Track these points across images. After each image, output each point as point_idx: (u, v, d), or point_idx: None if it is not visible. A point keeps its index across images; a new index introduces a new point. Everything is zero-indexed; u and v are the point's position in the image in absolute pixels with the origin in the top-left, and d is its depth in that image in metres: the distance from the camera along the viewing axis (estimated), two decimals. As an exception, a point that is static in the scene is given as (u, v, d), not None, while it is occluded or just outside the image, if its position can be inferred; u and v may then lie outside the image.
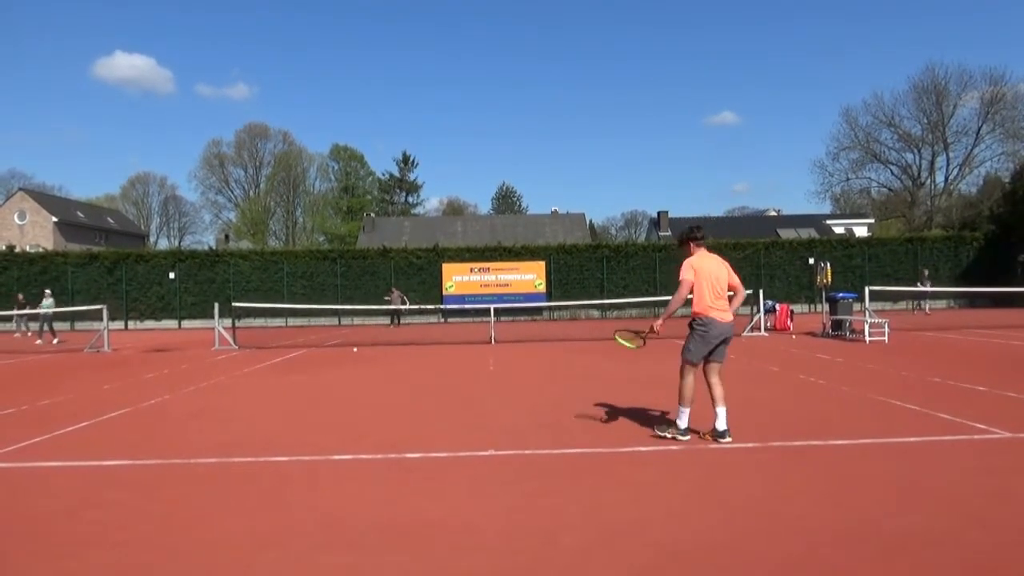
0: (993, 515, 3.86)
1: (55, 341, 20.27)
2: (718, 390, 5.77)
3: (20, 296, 25.42)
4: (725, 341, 5.79)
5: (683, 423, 5.78)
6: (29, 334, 21.91)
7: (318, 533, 3.84)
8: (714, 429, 5.75)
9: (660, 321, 5.97)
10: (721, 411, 5.73)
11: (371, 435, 6.46)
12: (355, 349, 11.77)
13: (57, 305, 26.29)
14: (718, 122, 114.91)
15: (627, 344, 6.62)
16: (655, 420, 6.48)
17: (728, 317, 5.74)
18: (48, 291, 22.47)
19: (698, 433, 5.86)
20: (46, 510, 4.37)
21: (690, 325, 5.83)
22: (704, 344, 5.72)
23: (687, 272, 5.71)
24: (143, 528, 3.98)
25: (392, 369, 12.04)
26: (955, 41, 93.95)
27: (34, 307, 22.53)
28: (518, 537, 3.71)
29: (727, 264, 5.95)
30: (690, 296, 5.80)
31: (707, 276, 5.70)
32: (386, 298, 27.75)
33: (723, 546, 3.50)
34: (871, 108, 54.50)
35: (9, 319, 26.04)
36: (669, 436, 5.78)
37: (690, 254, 5.87)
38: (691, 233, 5.90)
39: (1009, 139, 49.46)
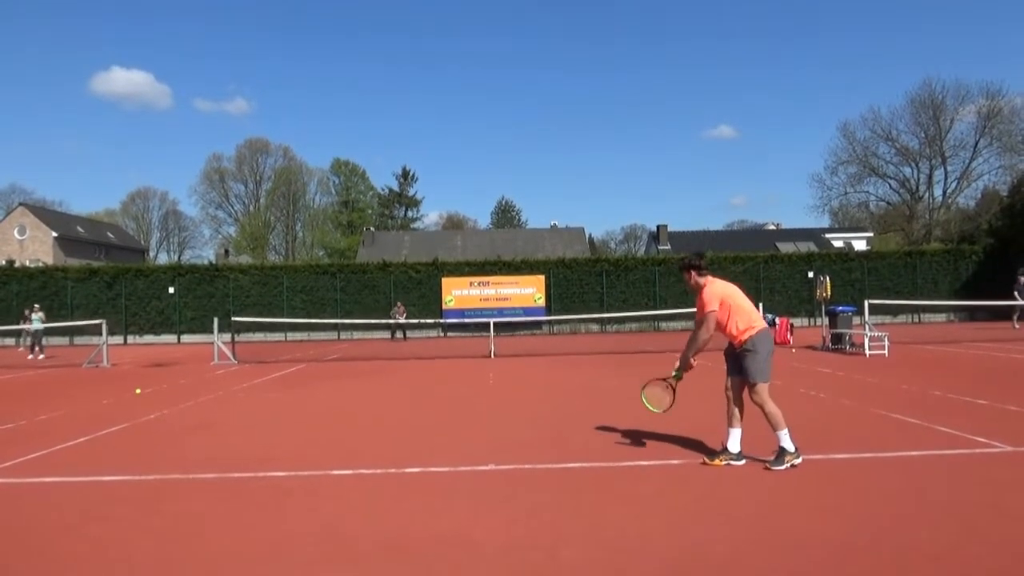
0: (995, 529, 3.84)
1: (40, 356, 20.30)
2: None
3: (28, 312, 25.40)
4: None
5: (790, 445, 5.32)
6: (37, 349, 21.90)
7: (317, 548, 3.82)
8: (728, 450, 5.49)
9: (692, 358, 5.58)
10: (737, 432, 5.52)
11: (370, 449, 6.44)
12: (137, 391, 10.81)
13: (56, 320, 26.31)
14: (716, 136, 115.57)
15: (653, 408, 6.05)
16: (764, 454, 5.46)
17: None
18: (37, 306, 22.47)
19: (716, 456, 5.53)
20: (45, 526, 4.35)
21: (751, 348, 5.34)
22: (771, 357, 5.42)
23: (713, 303, 5.39)
24: (143, 544, 3.96)
25: (392, 383, 12.02)
26: (952, 55, 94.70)
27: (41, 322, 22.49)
28: (519, 552, 3.69)
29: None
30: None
31: (736, 304, 5.44)
32: (392, 312, 27.93)
33: (725, 561, 3.49)
34: (869, 122, 54.82)
35: (7, 334, 26.00)
36: (787, 466, 5.25)
37: (699, 284, 5.55)
38: (697, 264, 5.60)
39: (1006, 153, 49.69)
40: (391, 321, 26.91)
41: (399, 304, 28.56)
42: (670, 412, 6.12)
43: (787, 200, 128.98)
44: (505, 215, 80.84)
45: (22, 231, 57.39)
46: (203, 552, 3.81)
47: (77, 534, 4.16)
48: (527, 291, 29.75)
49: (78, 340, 28.63)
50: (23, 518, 4.54)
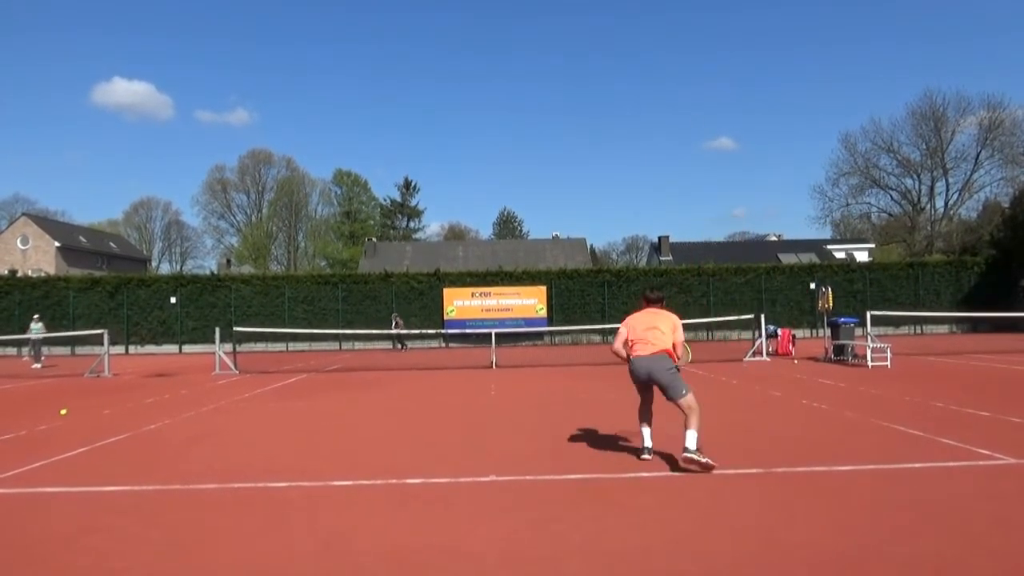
0: (999, 542, 3.82)
1: (37, 365, 20.31)
2: (687, 420, 5.74)
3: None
4: (653, 380, 5.97)
5: (643, 443, 6.23)
6: (43, 358, 21.86)
7: (318, 560, 3.81)
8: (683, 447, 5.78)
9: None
10: (688, 433, 5.67)
11: (371, 460, 6.43)
12: (63, 411, 9.96)
13: (58, 330, 26.34)
14: (716, 147, 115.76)
15: None
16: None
17: (645, 352, 6.00)
18: (37, 316, 22.49)
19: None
20: (44, 537, 4.34)
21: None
22: (634, 383, 6.22)
23: (621, 327, 6.37)
24: (142, 555, 3.95)
25: (393, 394, 12.00)
26: (953, 67, 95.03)
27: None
28: (520, 564, 3.67)
29: (671, 318, 6.21)
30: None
31: (631, 327, 6.22)
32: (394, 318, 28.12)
33: (727, 573, 3.47)
34: (870, 134, 54.75)
35: (9, 343, 25.98)
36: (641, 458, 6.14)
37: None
38: (644, 294, 6.55)
39: (1008, 164, 49.67)
40: (391, 332, 26.97)
41: (396, 314, 28.82)
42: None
43: (788, 211, 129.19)
44: (507, 226, 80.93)
45: (25, 241, 57.54)
46: (203, 564, 3.80)
47: (77, 545, 4.15)
48: (529, 302, 29.75)
49: (80, 350, 28.65)
50: (23, 529, 4.53)
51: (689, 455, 5.57)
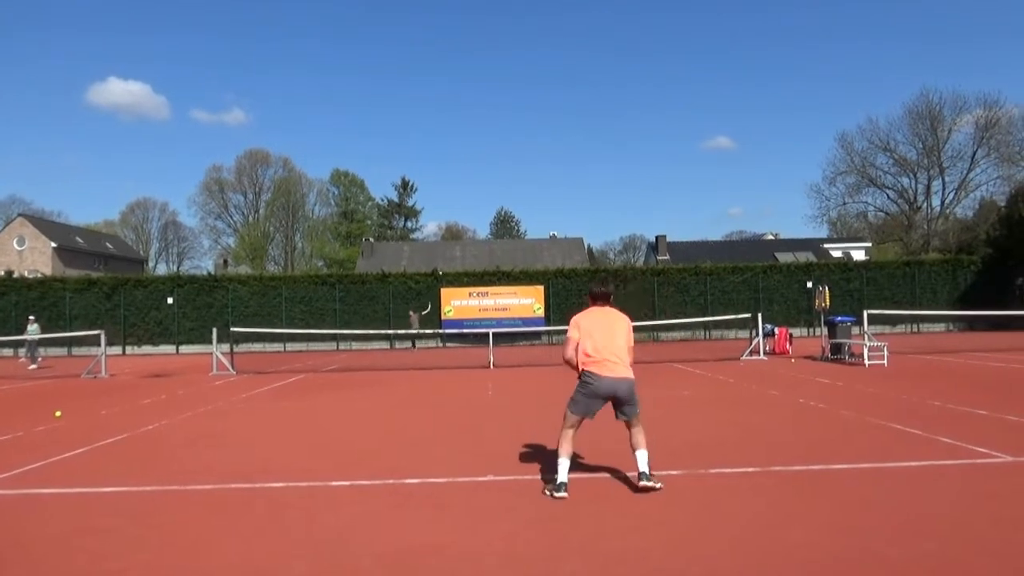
0: (998, 541, 3.82)
1: (32, 367, 20.26)
2: (637, 438, 5.16)
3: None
4: (617, 398, 5.18)
5: (558, 476, 5.04)
6: (39, 359, 21.77)
7: (315, 560, 3.79)
8: (638, 473, 5.09)
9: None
10: (640, 454, 5.10)
11: (369, 460, 6.42)
12: (57, 414, 9.89)
13: (55, 330, 26.28)
14: (713, 146, 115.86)
15: None
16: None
17: (616, 373, 5.15)
18: (32, 317, 22.43)
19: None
20: (40, 538, 4.32)
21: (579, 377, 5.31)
22: (586, 398, 5.21)
23: (571, 330, 5.32)
24: (139, 556, 3.93)
25: (390, 394, 11.99)
26: (949, 66, 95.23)
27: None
28: (518, 564, 3.66)
29: (625, 321, 5.41)
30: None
31: (587, 332, 5.23)
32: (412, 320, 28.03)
33: (726, 573, 3.47)
34: (866, 133, 54.70)
35: (5, 344, 25.92)
36: (548, 494, 5.02)
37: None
38: (589, 289, 5.54)
39: (1004, 163, 49.73)
40: (410, 332, 26.94)
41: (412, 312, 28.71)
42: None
43: (784, 210, 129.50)
44: (504, 225, 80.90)
45: (21, 242, 57.38)
46: (200, 564, 3.78)
47: (73, 546, 4.13)
48: (526, 301, 29.74)
49: (76, 351, 28.56)
50: (20, 530, 4.51)
51: (647, 483, 4.96)
